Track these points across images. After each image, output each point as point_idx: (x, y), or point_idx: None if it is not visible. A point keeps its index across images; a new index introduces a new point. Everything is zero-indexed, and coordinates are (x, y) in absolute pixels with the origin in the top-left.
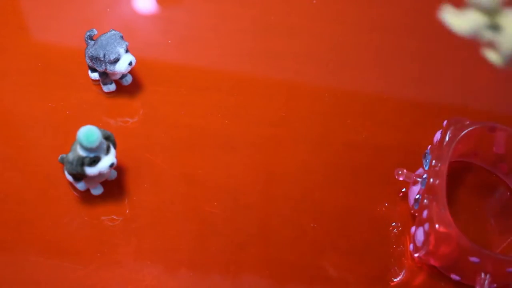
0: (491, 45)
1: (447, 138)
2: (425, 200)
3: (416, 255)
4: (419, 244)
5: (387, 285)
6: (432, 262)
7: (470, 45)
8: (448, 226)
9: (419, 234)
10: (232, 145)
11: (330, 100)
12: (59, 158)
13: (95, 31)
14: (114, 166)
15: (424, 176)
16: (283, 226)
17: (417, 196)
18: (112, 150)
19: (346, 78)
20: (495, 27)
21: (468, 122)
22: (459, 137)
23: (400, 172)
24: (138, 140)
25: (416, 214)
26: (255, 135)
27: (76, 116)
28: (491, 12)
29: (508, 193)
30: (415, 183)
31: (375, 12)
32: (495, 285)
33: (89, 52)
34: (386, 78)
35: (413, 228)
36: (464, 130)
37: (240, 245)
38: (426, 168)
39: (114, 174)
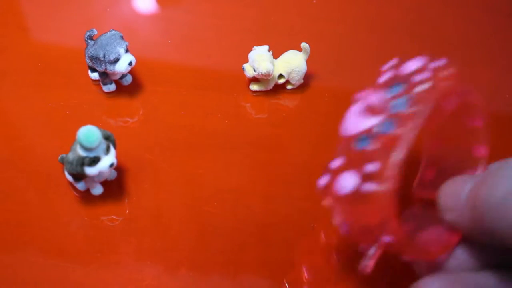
0: None
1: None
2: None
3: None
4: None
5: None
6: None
7: (470, 45)
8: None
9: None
10: (232, 145)
11: (330, 100)
12: (59, 158)
13: (95, 31)
14: (114, 166)
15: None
16: (283, 226)
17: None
18: (112, 150)
19: (346, 78)
20: None
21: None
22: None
23: None
24: (138, 140)
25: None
26: (255, 135)
27: (76, 116)
28: None
29: None
30: None
31: (375, 12)
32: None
33: (89, 52)
34: None
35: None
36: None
37: (240, 245)
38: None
39: (114, 174)
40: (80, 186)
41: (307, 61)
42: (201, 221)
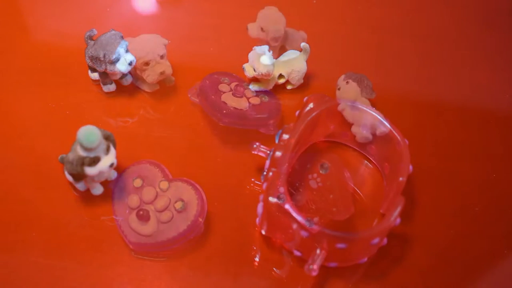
0: None
1: (304, 113)
2: (270, 173)
3: (262, 231)
4: (258, 217)
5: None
6: (277, 236)
7: (470, 45)
8: (279, 196)
9: (259, 207)
10: (232, 145)
11: None
12: (59, 158)
13: (95, 31)
14: (114, 166)
15: (271, 150)
16: None
17: (265, 171)
18: (112, 150)
19: None
20: None
21: (327, 99)
22: (315, 113)
23: (255, 146)
24: (138, 140)
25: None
26: (255, 135)
27: (76, 116)
28: None
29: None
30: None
31: (376, 12)
32: (335, 263)
33: (89, 52)
34: (386, 78)
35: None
36: (322, 107)
37: (240, 245)
38: (277, 143)
39: (114, 174)
40: (80, 186)
41: (307, 61)
42: None
